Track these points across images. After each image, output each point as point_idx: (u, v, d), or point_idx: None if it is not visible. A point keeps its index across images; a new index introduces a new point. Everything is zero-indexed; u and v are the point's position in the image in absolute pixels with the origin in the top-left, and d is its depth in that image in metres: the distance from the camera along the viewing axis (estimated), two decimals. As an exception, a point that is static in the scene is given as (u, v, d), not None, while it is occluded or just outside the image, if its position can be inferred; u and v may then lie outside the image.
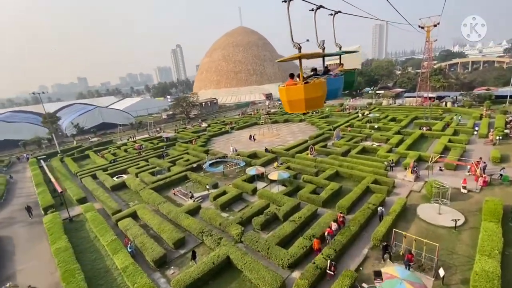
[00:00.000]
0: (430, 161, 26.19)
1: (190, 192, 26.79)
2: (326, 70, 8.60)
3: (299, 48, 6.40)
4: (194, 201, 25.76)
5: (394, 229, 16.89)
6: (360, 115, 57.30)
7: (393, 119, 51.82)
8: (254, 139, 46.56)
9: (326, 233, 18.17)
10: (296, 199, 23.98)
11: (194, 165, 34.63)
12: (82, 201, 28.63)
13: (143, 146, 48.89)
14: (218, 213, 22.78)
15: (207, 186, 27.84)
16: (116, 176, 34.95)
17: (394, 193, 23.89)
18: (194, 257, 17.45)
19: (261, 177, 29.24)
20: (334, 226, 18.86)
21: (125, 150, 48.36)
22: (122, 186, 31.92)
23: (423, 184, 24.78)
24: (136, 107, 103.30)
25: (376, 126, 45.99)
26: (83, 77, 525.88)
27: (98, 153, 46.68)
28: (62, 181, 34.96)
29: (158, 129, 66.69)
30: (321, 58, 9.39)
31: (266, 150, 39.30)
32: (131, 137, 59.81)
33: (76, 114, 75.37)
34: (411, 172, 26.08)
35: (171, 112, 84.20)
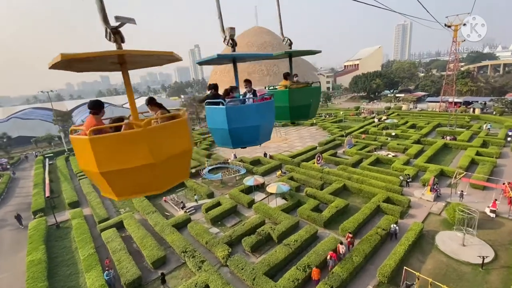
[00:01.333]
0: (454, 178, 22.70)
1: (182, 202, 24.92)
2: (230, 90, 5.20)
3: (116, 40, 2.83)
4: (185, 212, 23.88)
5: (405, 267, 13.98)
6: (376, 120, 53.43)
7: (413, 126, 47.67)
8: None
9: (328, 257, 15.75)
10: (296, 216, 21.51)
11: (193, 170, 32.84)
12: (74, 205, 27.67)
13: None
14: (207, 228, 20.71)
15: (195, 197, 25.88)
16: (114, 179, 33.88)
17: (409, 215, 20.74)
18: (163, 281, 15.49)
19: (260, 187, 26.94)
20: (342, 249, 16.43)
21: (130, 151, 47.66)
22: (118, 190, 30.65)
23: (444, 206, 21.40)
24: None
25: (393, 134, 42.23)
26: (106, 75, 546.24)
27: (102, 153, 46.20)
28: (61, 181, 34.40)
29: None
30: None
31: (265, 155, 37.23)
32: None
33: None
34: (431, 190, 22.74)
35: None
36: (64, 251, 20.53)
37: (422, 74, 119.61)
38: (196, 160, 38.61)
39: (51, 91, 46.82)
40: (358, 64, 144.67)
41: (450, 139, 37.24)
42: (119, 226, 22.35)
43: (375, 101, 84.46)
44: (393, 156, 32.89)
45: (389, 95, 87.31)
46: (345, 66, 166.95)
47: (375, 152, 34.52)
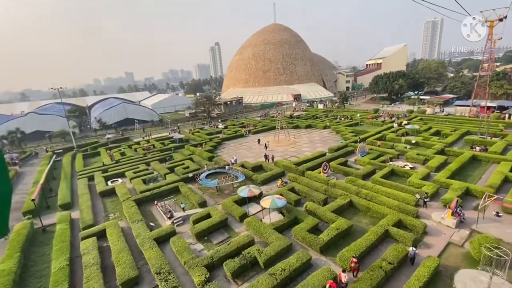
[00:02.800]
0: (482, 202, 19.10)
1: (170, 211, 23.17)
2: None
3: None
4: (172, 222, 22.15)
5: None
6: (395, 125, 49.05)
7: (437, 133, 43.05)
8: (266, 147, 41.73)
9: (327, 286, 13.44)
10: (290, 236, 19.06)
11: (190, 174, 31.15)
12: (65, 206, 26.98)
13: (151, 147, 47.11)
14: (190, 245, 18.81)
15: (182, 205, 24.02)
16: (112, 180, 33.02)
17: (424, 244, 17.55)
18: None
19: (258, 197, 24.56)
20: (344, 278, 14.21)
21: (135, 150, 47.13)
22: (112, 192, 29.60)
23: (469, 235, 17.99)
24: (165, 103, 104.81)
25: (413, 141, 38.13)
26: (130, 72, 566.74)
27: (108, 151, 45.96)
28: (61, 179, 34.07)
29: (175, 127, 65.29)
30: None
31: (266, 157, 35.93)
32: (146, 135, 59.03)
33: (103, 108, 77.71)
34: (452, 214, 19.29)
35: (193, 111, 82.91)
36: (42, 260, 19.48)
37: (452, 75, 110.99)
38: (197, 162, 37.01)
39: (60, 88, 47.22)
40: (380, 63, 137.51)
41: (480, 150, 32.78)
42: (102, 234, 21.05)
43: (397, 103, 78.78)
44: (410, 168, 29.25)
45: (412, 96, 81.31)
46: (367, 65, 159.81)
47: (391, 163, 30.97)
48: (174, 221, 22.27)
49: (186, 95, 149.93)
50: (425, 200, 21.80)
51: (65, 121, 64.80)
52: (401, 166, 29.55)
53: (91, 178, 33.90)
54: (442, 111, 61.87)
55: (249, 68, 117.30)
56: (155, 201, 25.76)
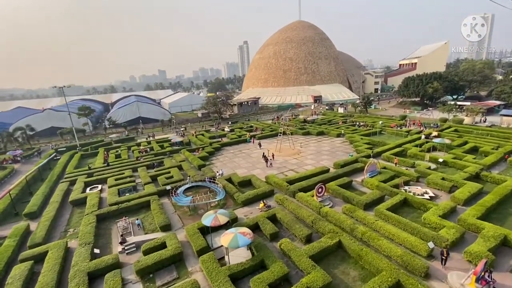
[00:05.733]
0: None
1: (122, 235, 19.92)
2: None
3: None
4: (123, 248, 18.96)
5: None
6: (423, 136, 41.71)
7: (474, 150, 35.33)
8: (265, 157, 37.22)
9: None
10: (248, 288, 14.76)
11: (168, 187, 27.91)
12: (31, 216, 25.14)
13: (148, 150, 44.99)
14: (126, 285, 15.33)
15: (137, 221, 20.58)
16: (91, 187, 30.98)
17: (429, 327, 12.24)
18: None
19: (230, 224, 20.52)
20: None
21: (132, 151, 45.41)
22: (85, 202, 27.27)
23: (501, 319, 12.29)
24: (182, 102, 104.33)
25: (440, 160, 31.30)
26: (163, 70, 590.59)
27: (105, 152, 44.73)
28: (46, 182, 32.89)
29: (182, 128, 63.19)
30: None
31: (267, 161, 34.95)
32: (149, 136, 57.53)
33: (118, 106, 78.38)
34: (477, 281, 13.59)
35: (206, 111, 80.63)
36: (-28, 283, 17.30)
37: (500, 77, 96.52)
38: (183, 171, 33.85)
39: (64, 86, 47.07)
40: (415, 63, 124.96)
41: (530, 178, 25.36)
42: (42, 257, 18.40)
43: (429, 108, 69.28)
44: (430, 197, 23.17)
45: (449, 102, 71.04)
46: (400, 65, 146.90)
47: (405, 188, 24.99)
48: (126, 248, 19.07)
49: (208, 94, 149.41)
50: (444, 254, 15.41)
51: (81, 119, 66.00)
52: (418, 194, 23.53)
53: (74, 183, 32.27)
54: (484, 121, 52.40)
55: (269, 67, 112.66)
56: (124, 218, 22.77)
